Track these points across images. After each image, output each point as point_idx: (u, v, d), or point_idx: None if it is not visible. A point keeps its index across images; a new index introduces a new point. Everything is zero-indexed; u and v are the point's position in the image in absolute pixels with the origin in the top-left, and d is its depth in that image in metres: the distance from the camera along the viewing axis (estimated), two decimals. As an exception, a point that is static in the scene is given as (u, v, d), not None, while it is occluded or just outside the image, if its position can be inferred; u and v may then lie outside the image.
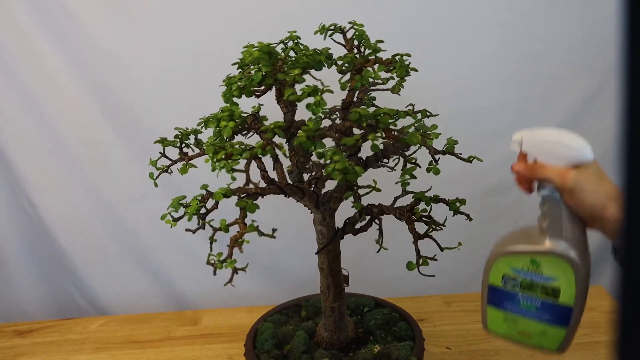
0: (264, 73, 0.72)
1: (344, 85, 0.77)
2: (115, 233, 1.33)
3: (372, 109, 0.80)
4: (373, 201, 0.83)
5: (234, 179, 0.70)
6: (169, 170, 0.85)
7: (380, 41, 0.82)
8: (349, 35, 0.84)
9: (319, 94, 0.69)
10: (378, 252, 0.83)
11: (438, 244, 0.77)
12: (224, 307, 1.26)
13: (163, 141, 0.85)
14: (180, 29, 1.22)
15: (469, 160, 0.79)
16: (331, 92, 0.71)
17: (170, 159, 0.85)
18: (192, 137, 0.85)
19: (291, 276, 1.33)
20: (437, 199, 0.79)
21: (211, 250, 0.73)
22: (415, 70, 0.79)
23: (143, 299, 1.37)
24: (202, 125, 0.78)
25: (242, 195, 0.73)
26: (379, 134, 0.70)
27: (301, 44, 0.82)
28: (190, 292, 1.37)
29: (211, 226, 0.74)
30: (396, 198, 0.82)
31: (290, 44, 0.80)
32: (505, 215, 1.32)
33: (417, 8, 1.21)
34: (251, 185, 0.73)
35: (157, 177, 0.84)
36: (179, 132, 0.85)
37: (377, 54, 0.79)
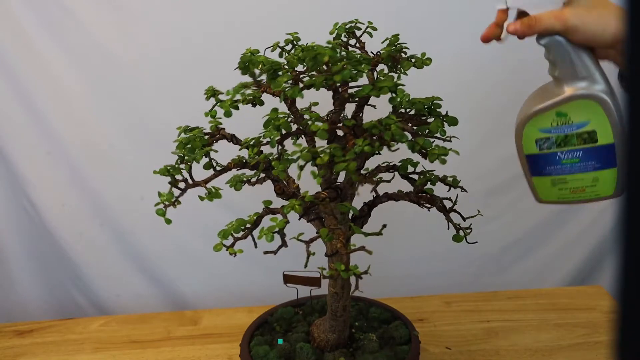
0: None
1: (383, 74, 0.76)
2: (115, 233, 1.33)
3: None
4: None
5: (319, 181, 0.70)
6: (176, 202, 0.76)
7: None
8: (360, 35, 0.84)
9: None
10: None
11: (461, 216, 0.78)
12: (224, 307, 1.26)
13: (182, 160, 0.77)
14: (181, 29, 1.22)
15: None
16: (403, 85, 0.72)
17: (189, 181, 0.77)
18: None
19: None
20: (443, 179, 0.80)
21: (305, 266, 0.74)
22: (428, 63, 0.79)
23: (143, 299, 1.37)
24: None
25: (321, 200, 0.73)
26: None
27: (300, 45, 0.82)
28: (190, 292, 1.37)
29: (301, 241, 0.74)
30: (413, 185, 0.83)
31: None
32: (505, 215, 1.32)
33: (415, 8, 1.21)
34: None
35: (177, 199, 0.77)
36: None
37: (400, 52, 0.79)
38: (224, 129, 0.80)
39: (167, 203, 0.72)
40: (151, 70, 1.24)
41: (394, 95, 0.73)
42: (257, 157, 0.75)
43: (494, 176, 1.29)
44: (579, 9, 0.59)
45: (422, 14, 1.23)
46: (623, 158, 0.59)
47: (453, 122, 0.74)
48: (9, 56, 1.21)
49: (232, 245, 0.72)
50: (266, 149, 0.76)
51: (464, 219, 0.78)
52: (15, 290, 1.35)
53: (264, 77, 0.77)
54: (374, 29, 0.81)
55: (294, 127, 0.76)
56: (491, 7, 0.69)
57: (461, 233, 0.78)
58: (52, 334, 1.18)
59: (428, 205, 0.80)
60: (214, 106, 0.80)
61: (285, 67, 0.73)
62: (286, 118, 0.73)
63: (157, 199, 0.76)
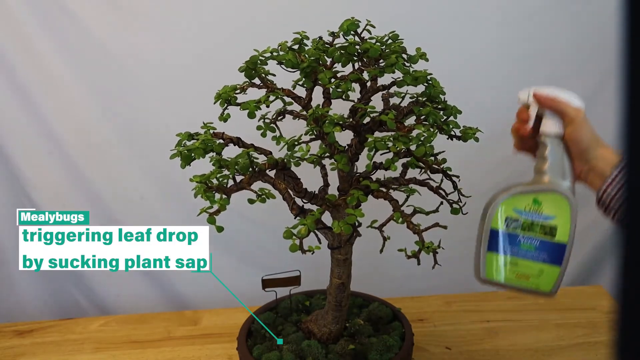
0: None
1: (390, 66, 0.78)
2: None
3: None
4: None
5: (395, 168, 0.74)
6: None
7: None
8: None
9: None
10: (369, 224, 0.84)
11: (461, 193, 0.83)
12: (224, 307, 1.26)
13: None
14: (181, 30, 1.22)
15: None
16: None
17: (227, 186, 0.75)
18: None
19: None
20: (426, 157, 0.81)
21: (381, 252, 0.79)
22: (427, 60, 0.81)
23: (143, 299, 1.37)
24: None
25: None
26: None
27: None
28: (190, 292, 1.37)
29: (375, 227, 0.80)
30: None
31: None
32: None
33: (414, 7, 1.22)
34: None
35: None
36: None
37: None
38: (224, 132, 0.80)
39: (210, 211, 0.71)
40: (151, 70, 1.24)
41: (428, 84, 0.78)
42: (295, 157, 0.77)
43: (494, 176, 1.29)
44: (586, 118, 0.69)
45: (424, 15, 1.23)
46: (566, 261, 0.69)
47: (457, 111, 0.81)
48: (8, 56, 1.21)
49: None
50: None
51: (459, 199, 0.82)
52: (15, 290, 1.35)
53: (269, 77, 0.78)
54: (373, 26, 0.82)
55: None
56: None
57: (455, 206, 0.82)
58: (52, 334, 1.18)
59: (418, 186, 0.83)
60: (224, 109, 0.80)
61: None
62: (342, 114, 0.77)
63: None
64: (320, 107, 0.78)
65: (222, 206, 0.71)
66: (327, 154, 0.78)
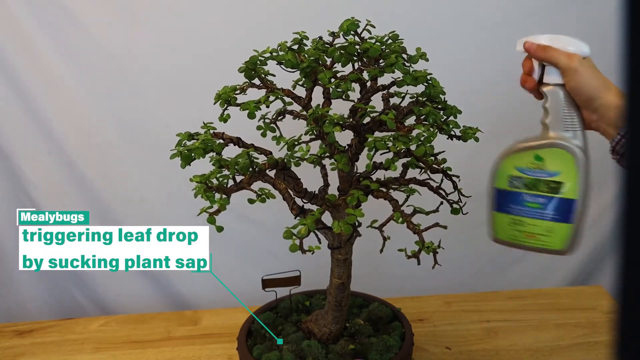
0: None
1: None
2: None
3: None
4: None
5: (395, 168, 0.74)
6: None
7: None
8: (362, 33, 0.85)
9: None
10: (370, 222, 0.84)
11: (461, 194, 0.82)
12: (224, 307, 1.26)
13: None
14: (181, 30, 1.23)
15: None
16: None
17: (228, 186, 0.75)
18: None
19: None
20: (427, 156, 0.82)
21: (381, 252, 0.78)
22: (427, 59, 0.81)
23: (143, 299, 1.37)
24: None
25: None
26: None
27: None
28: (190, 292, 1.38)
29: (375, 227, 0.79)
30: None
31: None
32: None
33: (414, 7, 1.22)
34: None
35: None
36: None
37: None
38: (224, 132, 0.80)
39: (210, 211, 0.71)
40: (151, 70, 1.24)
41: (428, 84, 0.78)
42: (295, 157, 0.77)
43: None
44: (585, 61, 0.65)
45: (424, 15, 1.23)
46: (580, 217, 0.64)
47: (457, 111, 0.80)
48: (9, 56, 1.21)
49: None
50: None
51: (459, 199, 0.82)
52: (15, 290, 1.35)
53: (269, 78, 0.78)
54: (373, 26, 0.82)
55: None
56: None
57: (455, 206, 0.82)
58: (52, 334, 1.18)
59: (418, 186, 0.83)
60: (224, 109, 0.80)
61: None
62: (342, 114, 0.77)
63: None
64: (320, 107, 0.78)
65: (222, 206, 0.71)
66: (327, 154, 0.78)
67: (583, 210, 0.64)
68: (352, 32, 0.80)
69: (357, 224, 0.78)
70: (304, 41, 0.82)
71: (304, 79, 0.78)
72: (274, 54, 0.80)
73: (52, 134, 1.26)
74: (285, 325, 0.96)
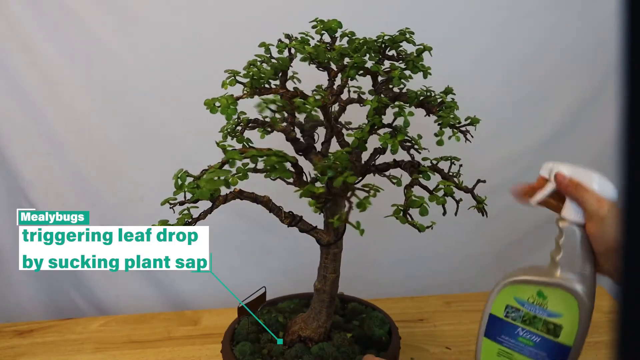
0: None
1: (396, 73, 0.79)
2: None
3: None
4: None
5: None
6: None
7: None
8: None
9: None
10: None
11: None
12: (224, 307, 1.26)
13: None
14: (181, 30, 1.22)
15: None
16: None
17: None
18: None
19: (289, 276, 1.33)
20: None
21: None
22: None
23: (143, 299, 1.37)
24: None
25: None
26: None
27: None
28: (190, 292, 1.37)
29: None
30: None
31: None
32: (505, 215, 1.32)
33: (413, 7, 1.21)
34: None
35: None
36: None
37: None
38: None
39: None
40: (151, 70, 1.24)
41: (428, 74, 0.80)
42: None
43: (495, 175, 1.29)
44: (614, 208, 0.60)
45: (424, 15, 1.23)
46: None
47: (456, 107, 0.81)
48: (8, 56, 1.21)
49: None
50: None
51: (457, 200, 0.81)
52: (15, 290, 1.35)
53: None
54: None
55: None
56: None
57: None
58: (52, 334, 1.18)
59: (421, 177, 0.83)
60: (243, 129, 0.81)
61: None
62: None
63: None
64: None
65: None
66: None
67: (575, 357, 0.62)
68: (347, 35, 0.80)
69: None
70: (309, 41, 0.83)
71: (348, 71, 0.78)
72: (299, 53, 0.80)
73: (51, 134, 1.26)
74: (267, 345, 0.90)
